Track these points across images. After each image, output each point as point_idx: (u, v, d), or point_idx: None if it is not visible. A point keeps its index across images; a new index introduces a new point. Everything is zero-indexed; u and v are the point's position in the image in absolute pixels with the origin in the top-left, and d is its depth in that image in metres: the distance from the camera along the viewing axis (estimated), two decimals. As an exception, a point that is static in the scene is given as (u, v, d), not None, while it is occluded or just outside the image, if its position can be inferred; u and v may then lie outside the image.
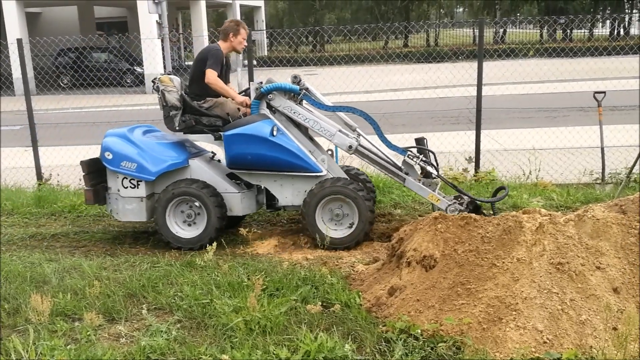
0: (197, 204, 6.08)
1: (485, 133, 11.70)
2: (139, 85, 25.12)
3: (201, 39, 25.34)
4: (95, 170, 6.32)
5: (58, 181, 9.02)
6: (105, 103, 18.87)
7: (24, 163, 10.06)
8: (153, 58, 21.91)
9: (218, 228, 6.09)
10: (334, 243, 5.93)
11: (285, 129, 6.07)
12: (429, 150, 6.11)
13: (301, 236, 6.29)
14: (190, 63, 30.09)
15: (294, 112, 6.11)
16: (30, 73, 25.33)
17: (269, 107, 6.14)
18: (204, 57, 6.30)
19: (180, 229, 6.21)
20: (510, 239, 4.22)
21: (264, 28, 38.73)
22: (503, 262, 4.13)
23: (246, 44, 6.50)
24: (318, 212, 5.98)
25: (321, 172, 6.06)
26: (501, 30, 41.45)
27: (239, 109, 6.27)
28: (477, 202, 5.92)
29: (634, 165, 7.43)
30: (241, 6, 37.03)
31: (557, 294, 3.91)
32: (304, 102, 6.34)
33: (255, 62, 33.74)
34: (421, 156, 5.99)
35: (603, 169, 8.10)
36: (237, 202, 6.22)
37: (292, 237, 6.41)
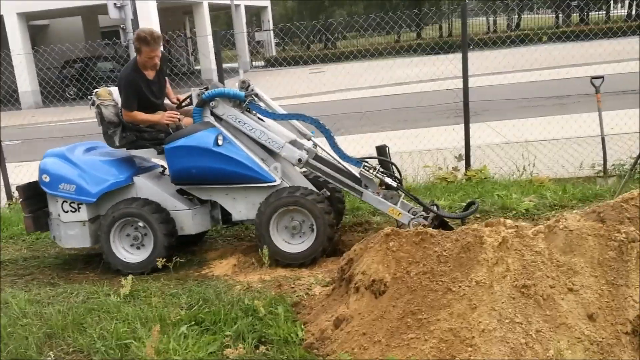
0: (140, 224, 5.55)
1: (492, 125, 11.05)
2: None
3: (205, 39, 25.11)
4: (35, 195, 5.83)
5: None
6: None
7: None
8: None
9: (167, 246, 5.53)
10: (290, 259, 5.43)
11: (232, 137, 5.49)
12: (390, 162, 5.50)
13: (263, 254, 5.71)
14: (199, 67, 29.39)
15: (239, 122, 5.53)
16: (36, 85, 25.30)
17: (213, 114, 5.58)
18: (119, 89, 5.72)
19: (128, 253, 5.69)
20: (468, 257, 3.59)
21: (271, 28, 38.17)
22: (459, 287, 3.50)
23: (157, 60, 5.64)
24: (273, 225, 5.43)
25: (274, 181, 5.48)
26: (515, 16, 40.29)
27: (179, 119, 5.69)
28: (444, 217, 5.29)
29: None
30: (247, 7, 36.59)
31: (521, 324, 3.28)
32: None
33: (263, 63, 33.33)
34: (379, 167, 5.37)
35: (605, 160, 7.38)
36: (188, 220, 5.66)
37: (255, 254, 5.81)
